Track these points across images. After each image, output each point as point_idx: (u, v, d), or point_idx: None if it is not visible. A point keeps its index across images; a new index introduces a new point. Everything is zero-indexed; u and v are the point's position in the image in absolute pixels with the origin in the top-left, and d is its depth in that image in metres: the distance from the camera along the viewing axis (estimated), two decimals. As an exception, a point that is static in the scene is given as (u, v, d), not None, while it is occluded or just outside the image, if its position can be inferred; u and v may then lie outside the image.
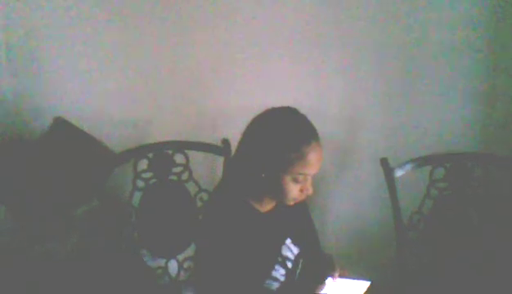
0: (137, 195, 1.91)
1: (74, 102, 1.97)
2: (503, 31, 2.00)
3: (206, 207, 1.79)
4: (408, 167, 1.87)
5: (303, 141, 1.34)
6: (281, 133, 1.35)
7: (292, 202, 1.40)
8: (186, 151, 1.93)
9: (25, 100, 1.95)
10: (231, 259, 1.33)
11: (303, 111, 1.41)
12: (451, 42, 2.01)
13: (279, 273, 1.43)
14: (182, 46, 2.01)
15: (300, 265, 1.46)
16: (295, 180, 1.36)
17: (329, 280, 1.40)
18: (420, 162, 1.88)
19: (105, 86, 2.00)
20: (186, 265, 1.94)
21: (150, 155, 1.90)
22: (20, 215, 1.70)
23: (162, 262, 1.94)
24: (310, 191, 1.39)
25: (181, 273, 1.94)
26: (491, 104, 2.05)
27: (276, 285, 1.42)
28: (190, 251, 1.92)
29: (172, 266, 1.94)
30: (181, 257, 1.94)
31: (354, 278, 1.41)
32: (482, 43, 2.01)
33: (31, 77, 1.95)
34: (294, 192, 1.37)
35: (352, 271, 1.45)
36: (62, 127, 1.83)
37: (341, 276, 1.44)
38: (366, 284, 1.38)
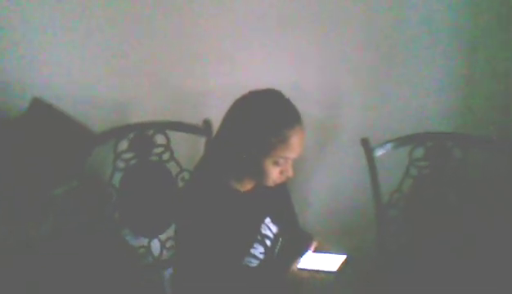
0: (118, 176, 1.90)
1: (53, 83, 1.94)
2: (482, 12, 2.00)
3: (186, 186, 1.79)
4: (388, 146, 1.89)
5: (286, 125, 1.34)
6: (264, 116, 1.34)
7: (272, 184, 1.41)
8: (167, 131, 1.92)
9: (2, 80, 1.91)
10: (210, 237, 1.34)
11: (282, 91, 1.40)
12: (431, 22, 2.02)
13: (258, 251, 1.45)
14: (163, 26, 1.98)
15: (279, 244, 1.48)
16: (276, 163, 1.36)
17: (306, 254, 1.42)
18: (401, 141, 1.90)
19: (84, 67, 1.97)
20: (168, 245, 1.95)
21: (131, 136, 1.89)
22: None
23: (144, 242, 1.94)
24: (290, 174, 1.39)
25: (164, 252, 1.95)
26: (471, 85, 2.07)
27: (255, 263, 1.44)
28: (172, 231, 1.92)
29: (155, 246, 1.95)
30: (163, 237, 1.95)
31: (330, 253, 1.43)
32: (461, 24, 2.02)
33: (8, 57, 1.91)
34: (274, 174, 1.38)
35: (331, 249, 1.46)
36: (40, 108, 1.81)
37: (318, 250, 1.46)
38: (341, 258, 1.40)
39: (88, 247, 1.81)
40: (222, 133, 1.40)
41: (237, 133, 1.36)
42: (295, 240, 1.48)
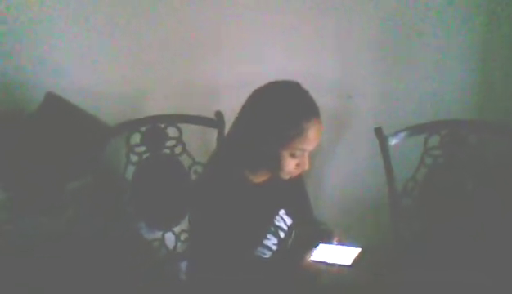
0: (131, 169, 1.90)
1: (66, 77, 1.94)
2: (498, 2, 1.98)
3: (200, 177, 1.79)
4: (402, 135, 1.87)
5: (303, 117, 1.33)
6: (282, 107, 1.34)
7: (287, 177, 1.40)
8: (179, 124, 1.91)
9: (16, 75, 1.92)
10: (223, 227, 1.34)
11: (297, 81, 1.39)
12: (446, 8, 1.99)
13: (271, 242, 1.44)
14: (175, 19, 1.97)
15: (293, 236, 1.48)
16: (293, 156, 1.36)
17: (320, 247, 1.41)
18: (415, 130, 1.88)
19: (96, 60, 1.97)
20: (183, 237, 1.96)
21: (143, 129, 1.89)
22: (13, 189, 1.69)
23: (159, 234, 1.95)
24: (306, 166, 1.39)
25: (179, 245, 1.96)
26: (486, 72, 2.05)
27: (268, 254, 1.44)
28: (186, 223, 1.92)
29: (170, 239, 1.95)
30: (177, 229, 1.95)
31: (345, 245, 1.41)
32: (477, 9, 1.99)
33: (22, 53, 1.91)
34: (290, 166, 1.37)
35: (345, 239, 1.45)
36: (54, 102, 1.80)
37: (334, 242, 1.44)
38: (356, 251, 1.39)
39: (102, 242, 1.81)
40: (240, 123, 1.40)
41: (255, 124, 1.35)
42: (309, 232, 1.48)
